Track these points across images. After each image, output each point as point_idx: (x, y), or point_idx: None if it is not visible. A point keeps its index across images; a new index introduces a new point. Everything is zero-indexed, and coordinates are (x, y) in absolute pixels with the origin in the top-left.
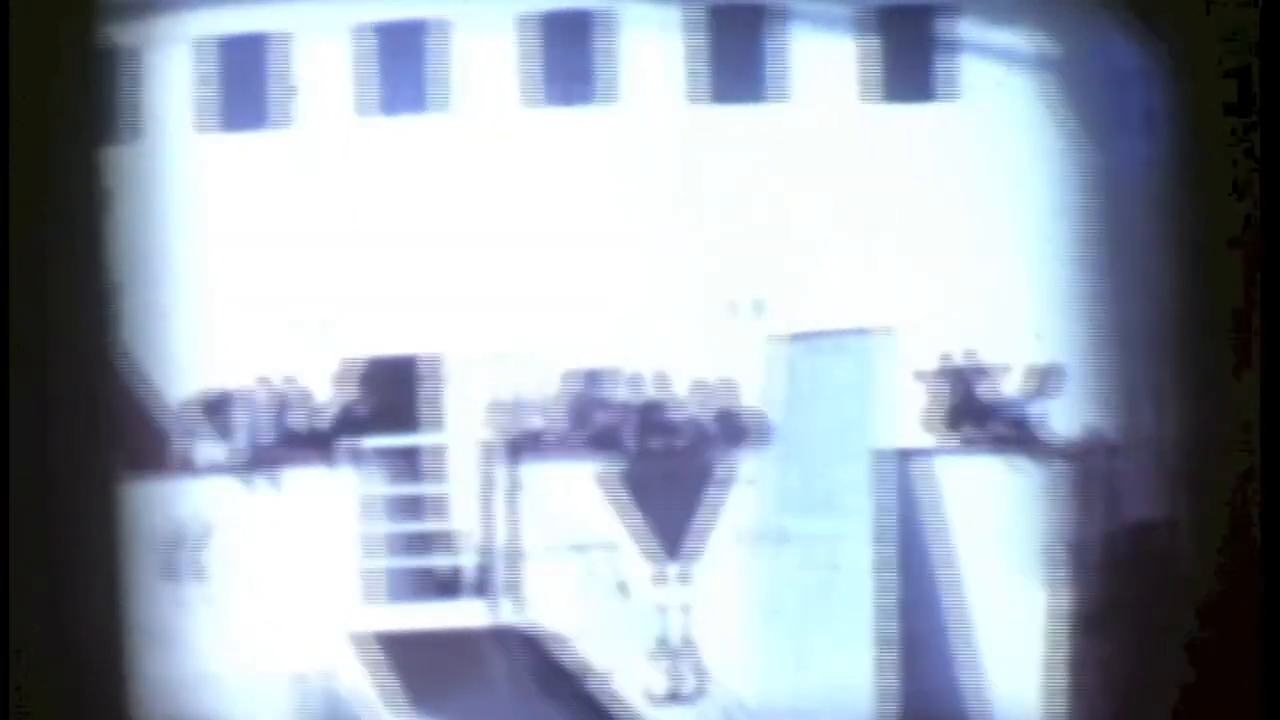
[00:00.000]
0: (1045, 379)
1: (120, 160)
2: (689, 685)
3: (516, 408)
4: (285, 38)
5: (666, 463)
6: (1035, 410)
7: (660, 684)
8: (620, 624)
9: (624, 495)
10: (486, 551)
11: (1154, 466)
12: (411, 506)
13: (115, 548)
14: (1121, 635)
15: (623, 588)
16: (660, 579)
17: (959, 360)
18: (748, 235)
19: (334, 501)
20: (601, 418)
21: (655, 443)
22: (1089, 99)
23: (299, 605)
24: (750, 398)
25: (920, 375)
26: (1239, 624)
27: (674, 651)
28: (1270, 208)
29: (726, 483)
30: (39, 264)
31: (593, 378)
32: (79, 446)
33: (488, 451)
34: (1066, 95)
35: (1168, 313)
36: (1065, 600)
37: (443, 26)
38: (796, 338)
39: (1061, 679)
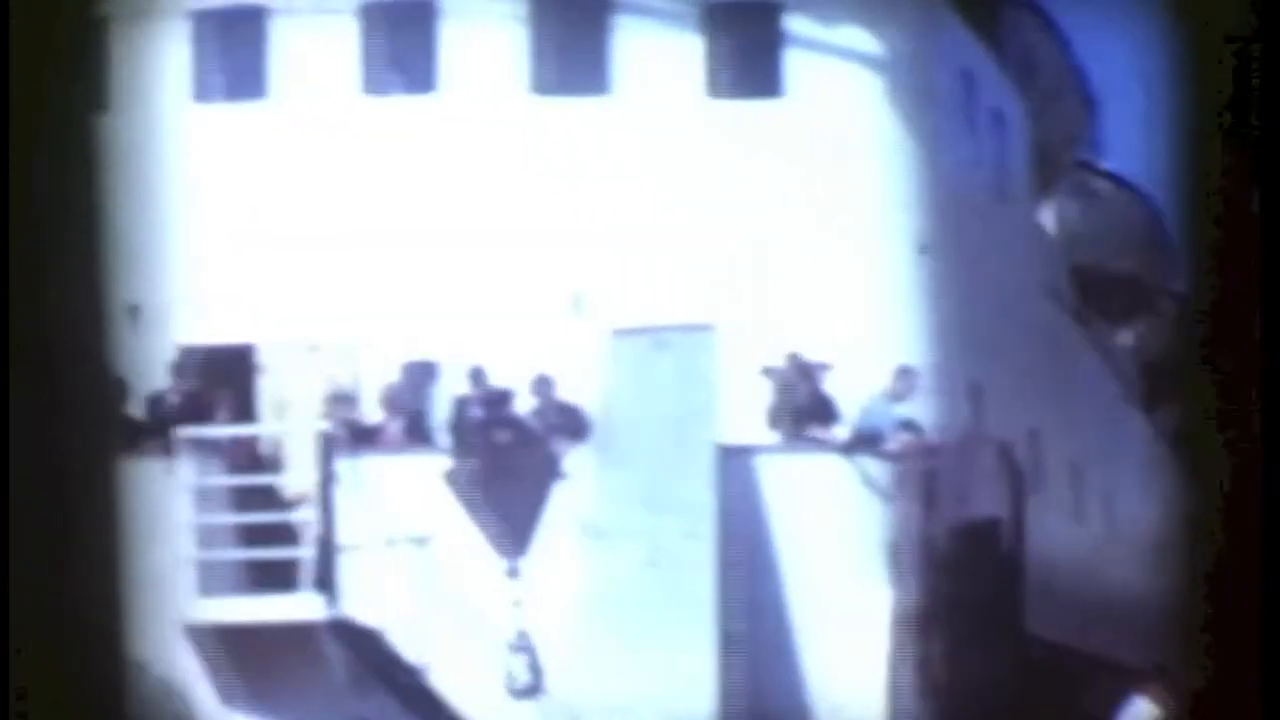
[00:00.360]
0: (883, 377)
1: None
2: (525, 681)
3: (354, 399)
4: None
5: (501, 457)
6: (871, 409)
7: (498, 679)
8: (457, 619)
9: (460, 489)
10: (324, 544)
11: (989, 465)
12: (249, 498)
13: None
14: (958, 633)
15: (460, 583)
16: (497, 574)
17: (793, 358)
18: (579, 229)
19: (170, 492)
20: (438, 411)
21: (490, 437)
22: (929, 98)
23: (136, 595)
24: (580, 393)
25: (751, 372)
26: (1238, 625)
27: (511, 647)
28: (1270, 206)
29: (559, 478)
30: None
31: (428, 371)
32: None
33: (326, 443)
34: (906, 94)
35: (1008, 311)
36: (902, 599)
37: (278, 12)
38: (622, 333)
39: (899, 677)
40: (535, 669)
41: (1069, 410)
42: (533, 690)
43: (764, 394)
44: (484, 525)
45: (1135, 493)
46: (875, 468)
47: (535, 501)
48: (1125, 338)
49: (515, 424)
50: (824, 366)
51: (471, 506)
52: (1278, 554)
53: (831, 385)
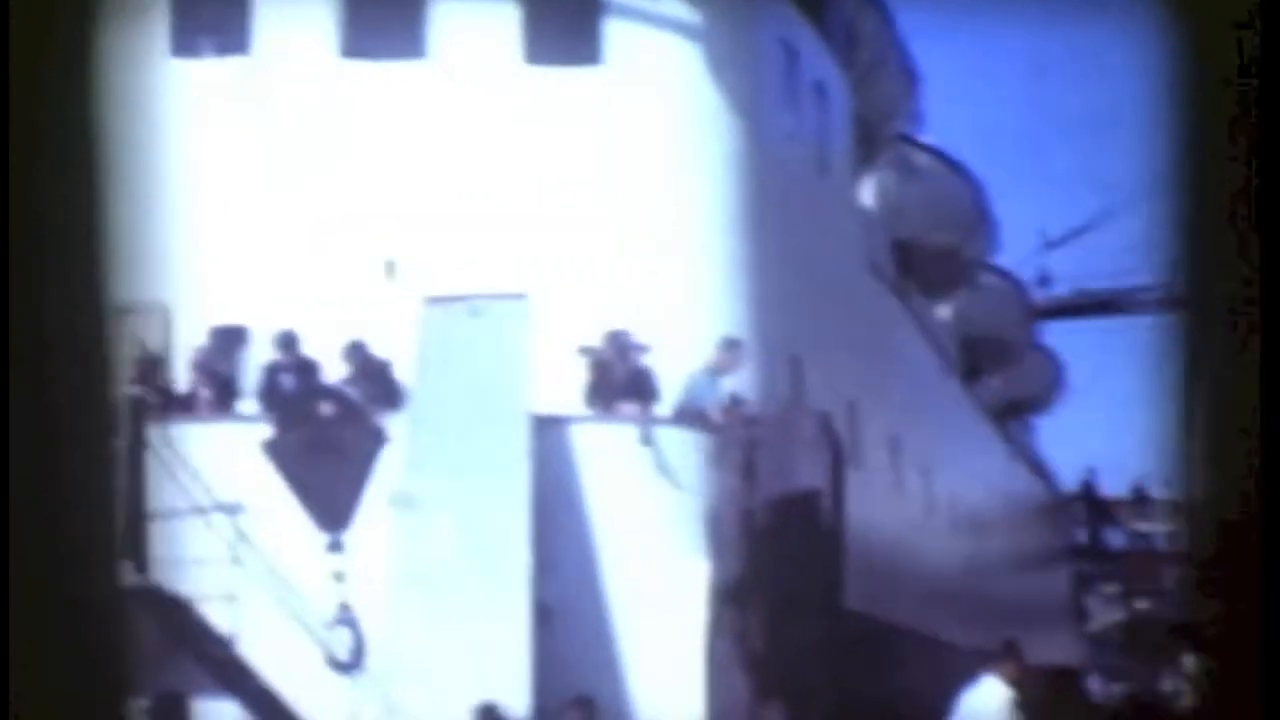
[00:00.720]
0: (703, 349)
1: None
2: (347, 656)
3: (164, 364)
4: None
5: (323, 430)
6: (693, 381)
7: (315, 653)
8: (272, 590)
9: (280, 461)
10: (133, 511)
11: (809, 437)
12: None
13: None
14: (776, 605)
15: (276, 554)
16: (314, 546)
17: (611, 336)
18: (393, 195)
19: None
20: (251, 378)
21: (312, 408)
22: (750, 69)
23: None
24: (393, 360)
25: (567, 342)
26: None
27: (332, 622)
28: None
29: (375, 448)
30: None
31: (239, 336)
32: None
33: (135, 408)
34: (726, 64)
35: (827, 284)
36: (720, 570)
37: None
38: (436, 300)
39: (717, 649)
40: (358, 643)
41: (888, 383)
42: (354, 665)
43: (580, 373)
44: (305, 498)
45: (953, 465)
46: (695, 439)
47: (358, 475)
48: (944, 311)
49: (338, 396)
50: (642, 348)
51: (292, 479)
52: (1278, 554)
53: (650, 358)
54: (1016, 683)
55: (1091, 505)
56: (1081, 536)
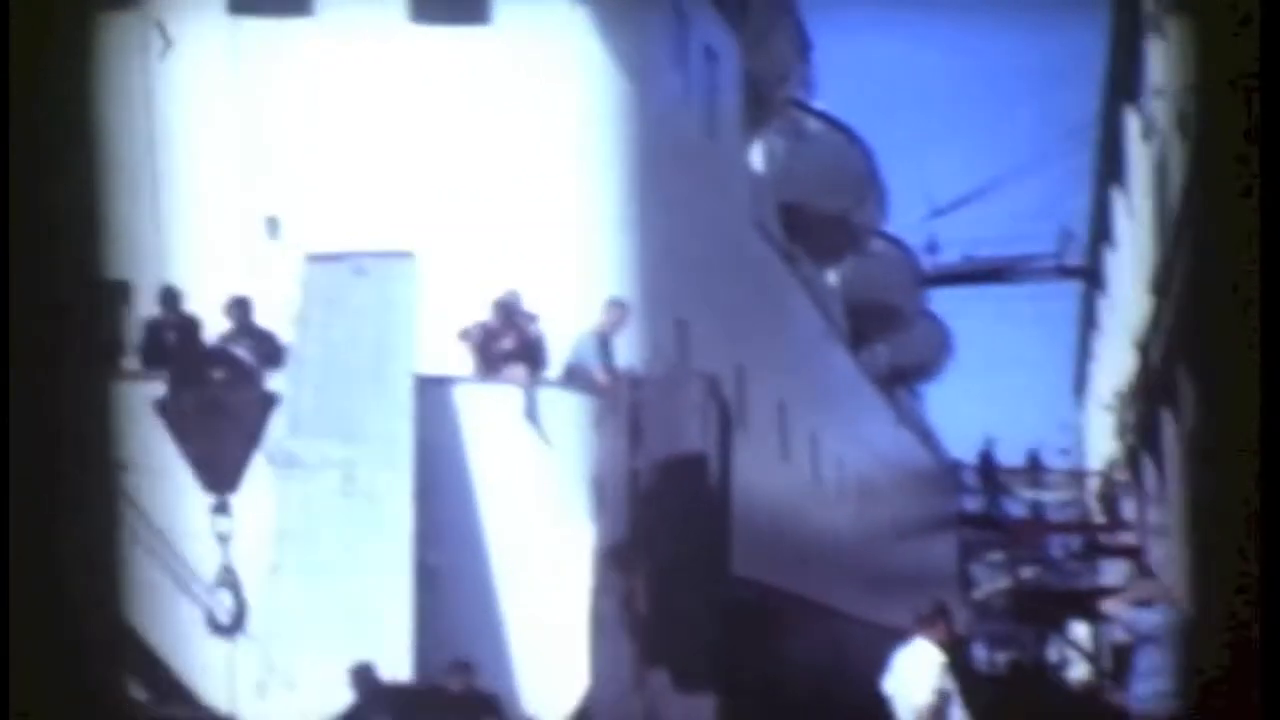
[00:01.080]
0: (590, 312)
1: None
2: (228, 618)
3: None
4: None
5: (208, 388)
6: (579, 343)
7: (194, 615)
8: (161, 554)
9: (171, 420)
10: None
11: (696, 401)
12: None
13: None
14: (662, 569)
15: (156, 512)
16: (200, 507)
17: (498, 305)
18: (277, 152)
19: None
20: (129, 333)
21: (197, 367)
22: (639, 31)
23: None
24: (276, 319)
25: (452, 302)
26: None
27: (214, 584)
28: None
29: (265, 411)
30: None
31: (120, 291)
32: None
33: None
34: (616, 26)
35: (715, 248)
36: (605, 533)
37: None
38: (318, 258)
39: (602, 612)
40: (239, 606)
41: (776, 348)
42: (235, 628)
43: (461, 325)
44: (194, 459)
45: (841, 431)
46: (580, 402)
47: (247, 438)
48: (833, 277)
49: (229, 359)
50: (531, 316)
51: (183, 439)
52: (1278, 553)
53: (534, 318)
54: (945, 645)
55: (985, 474)
56: (969, 504)
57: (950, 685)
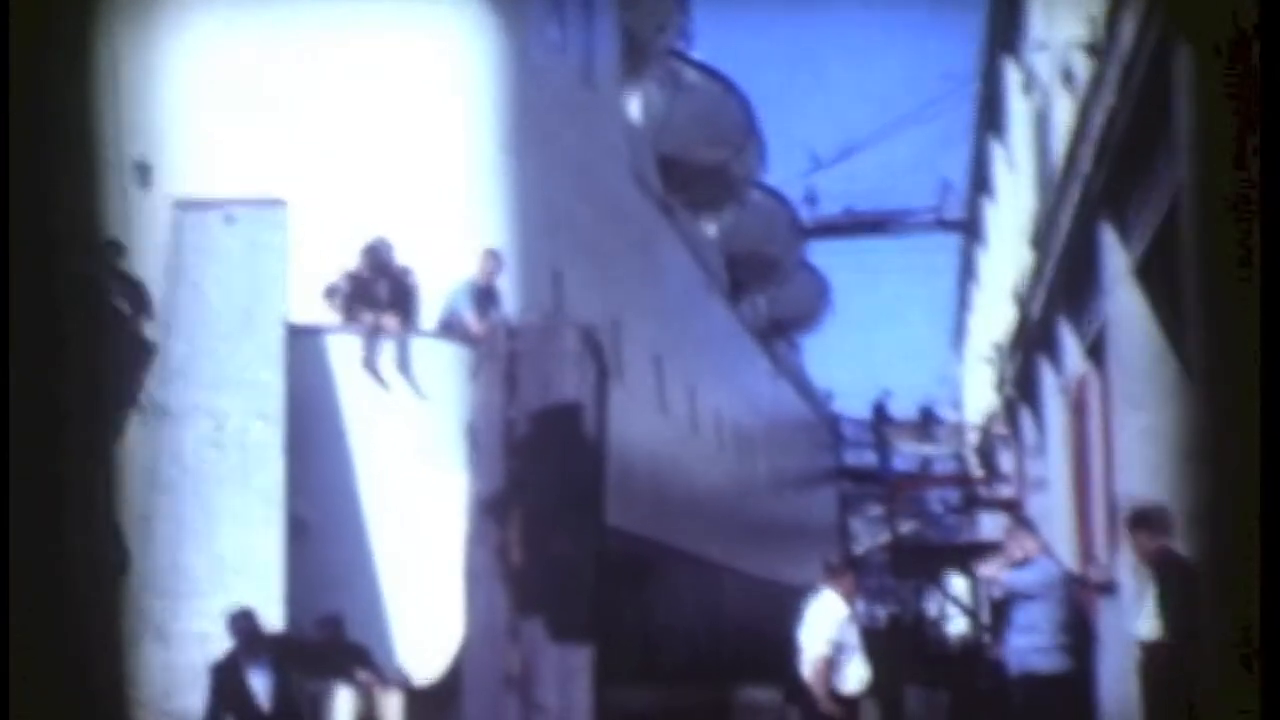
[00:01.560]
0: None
1: None
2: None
3: None
4: None
5: None
6: (454, 293)
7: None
8: None
9: None
10: None
11: (571, 351)
12: None
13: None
14: (536, 519)
15: None
16: None
17: (368, 251)
18: (148, 96)
19: None
20: None
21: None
22: None
23: None
24: (144, 266)
25: (324, 251)
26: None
27: None
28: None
29: (143, 358)
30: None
31: None
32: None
33: None
34: None
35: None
36: (480, 483)
37: None
38: (188, 204)
39: (476, 562)
40: (122, 555)
41: (652, 300)
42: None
43: (336, 274)
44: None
45: (719, 383)
46: (455, 351)
47: (126, 387)
48: (711, 228)
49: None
50: (404, 267)
51: None
52: (1278, 553)
53: (409, 268)
54: (849, 598)
55: (874, 428)
56: (849, 458)
57: (851, 638)
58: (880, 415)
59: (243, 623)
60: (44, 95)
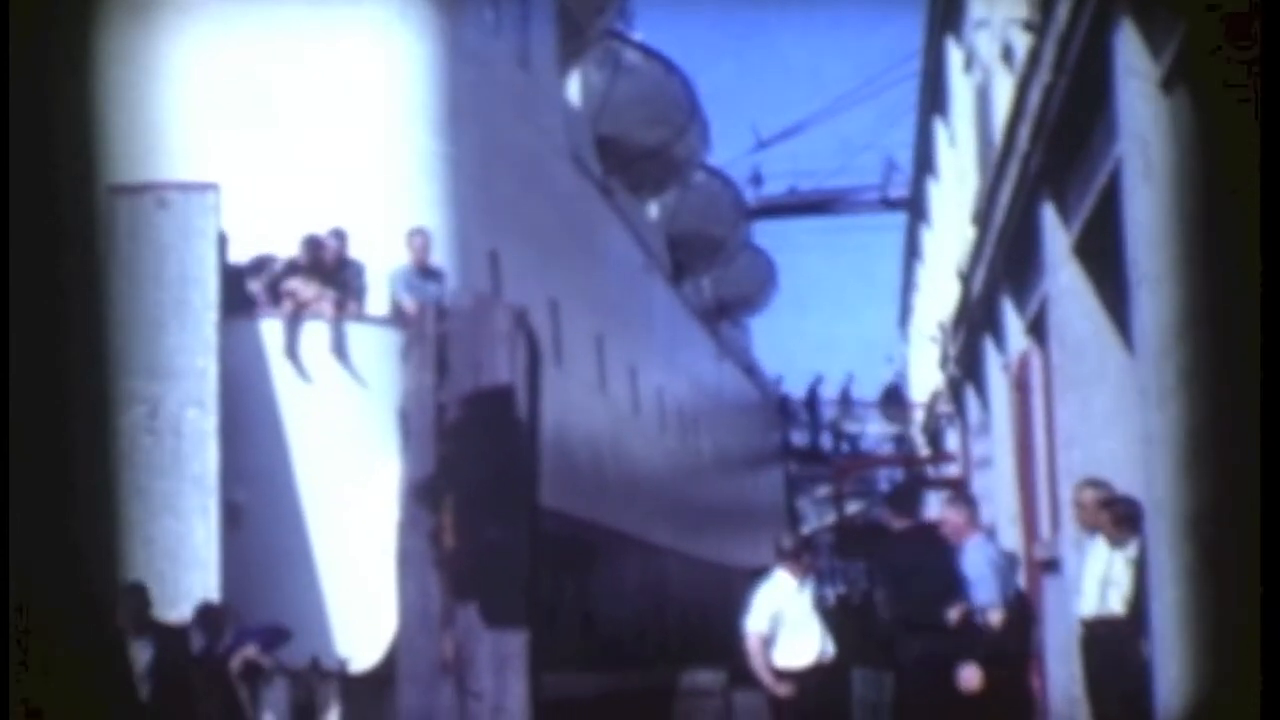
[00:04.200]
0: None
1: None
2: None
3: None
4: None
5: None
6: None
7: None
8: None
9: None
10: None
11: (504, 332)
12: None
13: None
14: (470, 503)
15: None
16: None
17: (300, 222)
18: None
19: None
20: None
21: None
22: None
23: None
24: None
25: (258, 235)
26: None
27: None
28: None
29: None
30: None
31: None
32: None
33: None
34: None
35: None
36: (413, 467)
37: None
38: (120, 189)
39: (410, 547)
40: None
41: (592, 281)
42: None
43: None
44: None
45: (661, 365)
46: (387, 334)
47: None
48: (653, 210)
49: None
50: (339, 251)
51: None
52: (1278, 554)
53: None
54: (803, 578)
55: (810, 409)
56: (796, 439)
57: (798, 613)
58: (812, 396)
59: (209, 616)
60: (44, 95)
